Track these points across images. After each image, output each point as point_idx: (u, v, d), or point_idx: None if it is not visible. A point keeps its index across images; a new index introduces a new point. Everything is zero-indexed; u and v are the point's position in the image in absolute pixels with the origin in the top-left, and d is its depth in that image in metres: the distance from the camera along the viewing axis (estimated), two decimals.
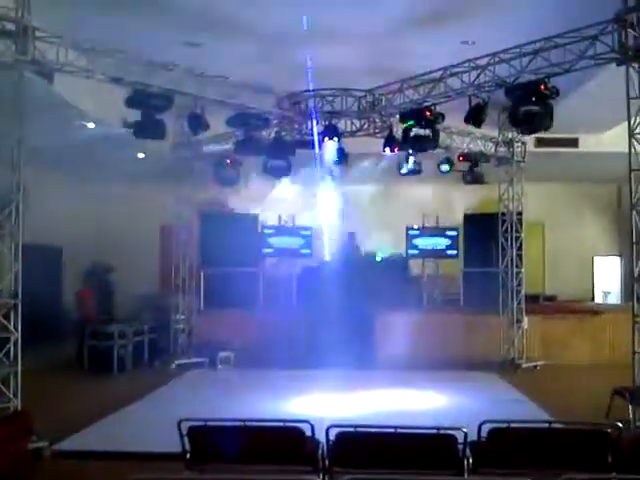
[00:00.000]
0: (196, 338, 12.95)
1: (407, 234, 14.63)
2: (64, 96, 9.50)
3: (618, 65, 7.40)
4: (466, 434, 4.43)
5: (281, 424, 4.70)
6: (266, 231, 14.67)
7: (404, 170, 12.11)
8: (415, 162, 11.98)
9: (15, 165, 7.11)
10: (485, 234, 13.24)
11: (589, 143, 13.82)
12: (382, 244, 14.84)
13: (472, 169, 12.72)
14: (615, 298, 16.78)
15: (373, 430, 4.78)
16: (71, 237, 14.57)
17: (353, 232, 15.24)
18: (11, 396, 6.94)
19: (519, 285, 12.61)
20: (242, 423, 4.66)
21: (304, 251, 14.81)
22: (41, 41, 7.27)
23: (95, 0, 8.30)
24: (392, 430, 4.54)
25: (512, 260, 12.57)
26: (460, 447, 4.45)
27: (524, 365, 12.13)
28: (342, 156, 11.43)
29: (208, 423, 4.72)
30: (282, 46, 9.84)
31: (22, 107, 7.09)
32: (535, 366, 12.21)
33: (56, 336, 13.52)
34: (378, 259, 14.77)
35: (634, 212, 7.39)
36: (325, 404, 9.07)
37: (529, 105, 8.34)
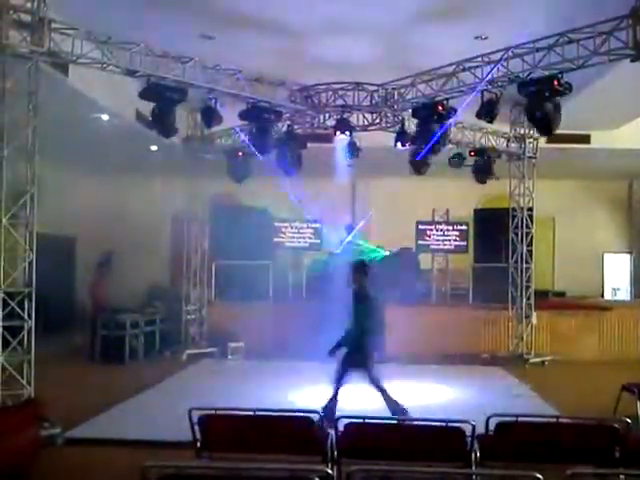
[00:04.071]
0: (207, 328, 13.07)
1: (417, 228, 14.63)
2: (78, 88, 9.57)
3: (632, 61, 7.38)
4: (474, 427, 4.46)
5: (291, 414, 4.75)
6: (277, 224, 14.71)
7: None
8: None
9: (29, 156, 7.20)
10: (495, 229, 13.26)
11: (601, 140, 13.74)
12: (390, 239, 14.83)
13: (483, 164, 12.68)
14: (625, 294, 16.73)
15: (381, 422, 4.83)
16: (85, 227, 14.72)
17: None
18: (24, 383, 7.04)
19: (528, 281, 12.62)
20: (252, 412, 4.72)
21: (314, 244, 14.84)
22: (57, 33, 7.34)
23: None
24: (400, 422, 4.59)
25: (522, 256, 12.57)
26: (468, 440, 4.48)
27: (532, 360, 12.15)
28: (354, 150, 11.44)
29: (218, 412, 4.78)
30: (295, 39, 9.85)
31: (37, 98, 7.17)
32: (543, 361, 12.22)
33: (69, 325, 13.67)
34: (386, 254, 14.77)
35: None
36: None
37: (544, 103, 8.30)
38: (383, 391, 7.49)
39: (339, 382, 7.61)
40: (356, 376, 7.55)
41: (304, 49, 10.12)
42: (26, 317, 7.09)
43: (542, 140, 12.88)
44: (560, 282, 16.21)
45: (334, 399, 7.52)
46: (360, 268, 7.90)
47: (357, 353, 7.60)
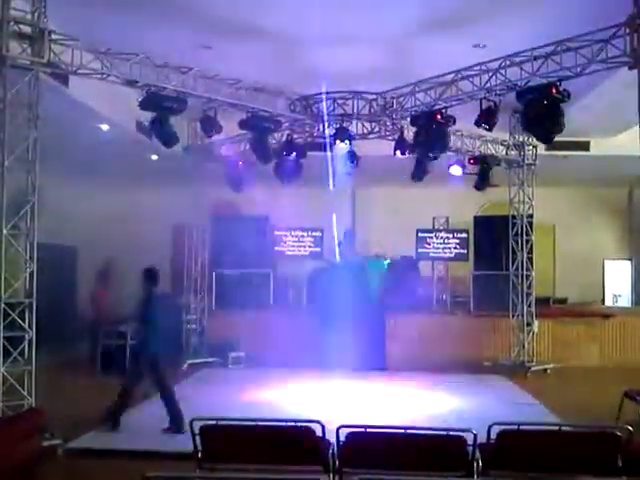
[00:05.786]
0: (207, 338, 13.04)
1: (417, 236, 14.64)
2: (79, 98, 9.60)
3: (630, 69, 7.40)
4: (475, 436, 4.44)
5: (292, 424, 4.73)
6: (277, 232, 14.72)
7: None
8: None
9: (30, 166, 7.21)
10: (495, 237, 13.26)
11: (600, 146, 13.75)
12: (390, 247, 14.83)
13: (483, 172, 12.69)
14: (626, 301, 16.72)
15: (383, 431, 4.81)
16: (86, 237, 14.71)
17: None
18: (25, 394, 7.03)
19: (529, 288, 12.61)
20: (253, 422, 4.71)
21: (314, 252, 14.83)
22: (57, 44, 7.38)
23: (110, 3, 8.37)
24: (402, 431, 4.57)
25: (522, 263, 12.57)
26: (470, 449, 4.47)
27: (534, 368, 12.12)
28: (353, 159, 11.46)
29: (219, 422, 4.76)
30: (294, 49, 9.87)
31: (37, 109, 7.19)
32: (545, 369, 12.20)
33: (70, 335, 13.64)
34: (386, 262, 14.76)
35: None
36: (336, 405, 9.11)
37: (540, 109, 8.32)
38: (168, 398, 7.64)
39: (128, 388, 7.81)
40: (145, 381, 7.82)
41: (303, 58, 10.14)
42: (27, 328, 7.09)
43: (541, 147, 12.88)
44: (561, 289, 16.21)
45: (122, 403, 7.69)
46: (147, 275, 7.98)
47: (141, 358, 7.84)
